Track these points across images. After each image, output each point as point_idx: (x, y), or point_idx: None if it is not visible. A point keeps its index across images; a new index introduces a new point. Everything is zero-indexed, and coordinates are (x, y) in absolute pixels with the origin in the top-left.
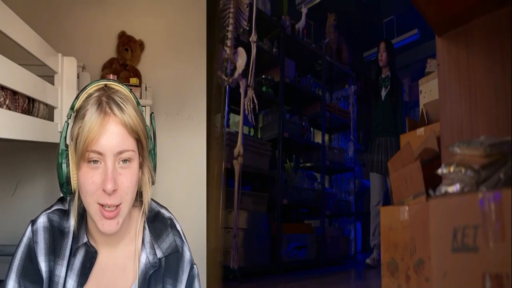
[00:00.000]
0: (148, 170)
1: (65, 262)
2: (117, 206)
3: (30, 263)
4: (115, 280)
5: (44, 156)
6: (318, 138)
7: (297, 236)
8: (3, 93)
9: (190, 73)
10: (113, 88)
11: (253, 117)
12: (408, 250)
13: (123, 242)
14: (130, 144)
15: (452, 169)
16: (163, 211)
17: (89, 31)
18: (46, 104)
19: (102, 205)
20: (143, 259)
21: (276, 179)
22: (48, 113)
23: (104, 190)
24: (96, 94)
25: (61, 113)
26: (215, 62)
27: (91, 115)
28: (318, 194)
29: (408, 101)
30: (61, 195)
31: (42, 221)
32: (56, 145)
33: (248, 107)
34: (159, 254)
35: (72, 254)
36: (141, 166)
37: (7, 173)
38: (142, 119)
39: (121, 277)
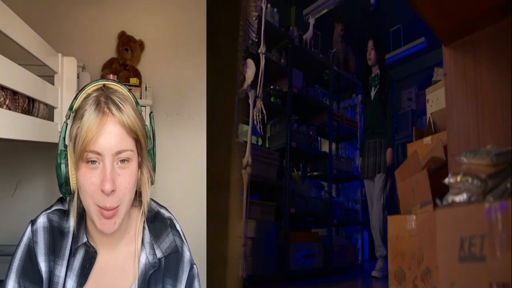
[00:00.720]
0: (147, 170)
1: (64, 262)
2: (115, 207)
3: (30, 263)
4: (115, 280)
5: (44, 156)
6: (325, 147)
7: (305, 244)
8: (3, 93)
9: (190, 73)
10: (111, 88)
11: (261, 127)
12: (416, 259)
13: (122, 242)
14: (128, 144)
15: (459, 178)
16: (162, 211)
17: (89, 31)
18: (46, 104)
19: (101, 207)
20: (143, 259)
21: (284, 188)
22: (48, 113)
23: (102, 191)
24: (95, 94)
25: (61, 113)
26: (236, 73)
27: (90, 115)
28: (325, 202)
29: (415, 109)
30: (61, 195)
31: (42, 221)
32: (56, 145)
33: (257, 117)
34: (159, 254)
35: (72, 254)
36: (140, 166)
37: (7, 173)
38: (141, 119)
39: (120, 277)
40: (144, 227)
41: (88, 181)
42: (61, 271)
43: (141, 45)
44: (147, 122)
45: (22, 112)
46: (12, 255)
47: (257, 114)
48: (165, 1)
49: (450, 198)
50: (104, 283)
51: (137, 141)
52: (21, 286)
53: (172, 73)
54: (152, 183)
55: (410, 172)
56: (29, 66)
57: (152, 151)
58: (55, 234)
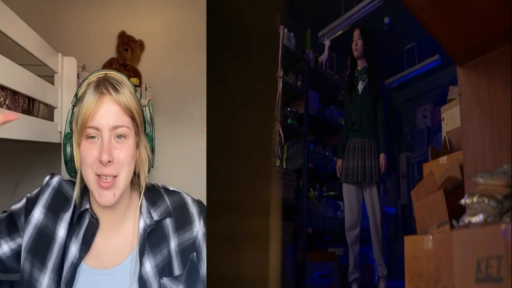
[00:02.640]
0: (144, 150)
1: (65, 225)
2: (114, 177)
3: (59, 200)
4: (116, 249)
5: (44, 156)
6: None
7: (322, 264)
8: (3, 93)
9: (190, 73)
10: (111, 76)
11: (279, 148)
12: (433, 279)
13: (124, 218)
14: (124, 120)
15: (475, 199)
16: (156, 184)
17: (89, 31)
18: (46, 104)
19: (100, 176)
20: (141, 224)
21: (301, 208)
22: (48, 113)
23: (100, 161)
24: (96, 79)
25: (61, 113)
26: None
27: (89, 96)
28: (342, 222)
29: (430, 127)
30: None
31: (56, 180)
32: (56, 145)
33: (275, 140)
34: (155, 217)
35: (76, 220)
36: (137, 146)
37: (7, 173)
38: (137, 102)
39: (121, 245)
40: (141, 198)
41: (88, 153)
42: (61, 232)
43: (141, 45)
44: (146, 111)
45: (22, 112)
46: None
47: (275, 136)
48: (165, 1)
49: (466, 219)
50: (105, 252)
51: (133, 119)
52: (47, 217)
53: (172, 73)
54: (152, 166)
55: (426, 192)
56: (29, 66)
57: (150, 136)
58: (60, 198)
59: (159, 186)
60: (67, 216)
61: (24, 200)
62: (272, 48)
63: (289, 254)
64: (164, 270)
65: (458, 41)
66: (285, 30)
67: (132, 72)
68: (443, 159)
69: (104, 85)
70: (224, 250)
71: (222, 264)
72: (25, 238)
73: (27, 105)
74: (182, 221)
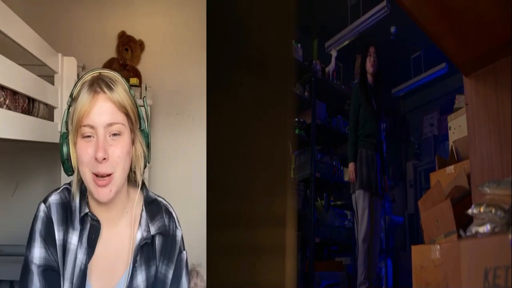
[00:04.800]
0: (140, 146)
1: (77, 232)
2: (109, 175)
3: (50, 229)
4: (116, 254)
5: (44, 156)
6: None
7: (329, 273)
8: (3, 93)
9: (190, 73)
10: (105, 75)
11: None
12: (439, 283)
13: (123, 221)
14: (119, 118)
15: (482, 209)
16: (160, 199)
17: (89, 31)
18: (46, 104)
19: (96, 175)
20: (139, 236)
21: (309, 218)
22: (48, 113)
23: (96, 159)
24: (90, 78)
25: (61, 113)
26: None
27: (83, 95)
28: (349, 231)
29: (437, 135)
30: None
31: (54, 198)
32: (56, 145)
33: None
34: (152, 231)
35: (82, 226)
36: (133, 142)
37: (7, 173)
38: (132, 100)
39: (120, 252)
40: (142, 209)
41: (84, 152)
42: (75, 239)
43: (141, 45)
44: (141, 107)
45: (22, 112)
46: (31, 228)
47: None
48: (165, 1)
49: (474, 229)
50: (107, 256)
51: (127, 116)
52: (47, 249)
53: (172, 73)
54: (148, 162)
55: (433, 201)
56: (29, 66)
57: (145, 132)
58: (67, 209)
59: (161, 202)
60: (76, 223)
61: (38, 243)
62: (282, 59)
63: (297, 263)
64: (154, 284)
65: (465, 51)
66: (293, 41)
67: (132, 72)
68: (450, 169)
69: (98, 84)
70: (230, 260)
71: (238, 274)
72: (59, 260)
73: (27, 105)
74: (168, 250)
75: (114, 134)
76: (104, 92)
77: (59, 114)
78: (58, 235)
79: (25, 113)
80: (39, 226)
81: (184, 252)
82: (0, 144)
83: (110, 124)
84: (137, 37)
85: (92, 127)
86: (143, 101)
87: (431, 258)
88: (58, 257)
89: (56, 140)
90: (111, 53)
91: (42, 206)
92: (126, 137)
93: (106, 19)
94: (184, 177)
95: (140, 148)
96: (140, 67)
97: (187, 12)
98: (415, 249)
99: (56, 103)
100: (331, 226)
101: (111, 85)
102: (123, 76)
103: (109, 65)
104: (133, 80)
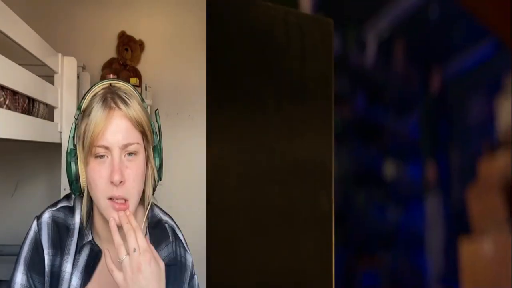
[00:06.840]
0: (150, 166)
1: (71, 259)
2: (125, 200)
3: (37, 255)
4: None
5: (44, 156)
6: None
7: (371, 269)
8: (3, 93)
9: (190, 73)
10: (117, 86)
11: None
12: (491, 281)
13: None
14: (135, 137)
15: None
16: (165, 218)
17: (89, 31)
18: (46, 104)
19: (110, 198)
20: None
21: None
22: (48, 113)
23: (111, 182)
24: (101, 92)
25: (61, 113)
26: None
27: (97, 111)
28: (392, 226)
29: (486, 120)
30: (61, 196)
31: (47, 216)
32: (56, 145)
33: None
34: None
35: (78, 251)
36: (147, 161)
37: (7, 173)
38: (147, 114)
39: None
40: (146, 233)
41: (97, 175)
42: (68, 267)
43: (141, 45)
44: (155, 123)
45: (22, 112)
46: (19, 248)
47: None
48: (166, 1)
49: None
50: (106, 282)
51: (143, 134)
52: (29, 277)
53: (172, 73)
54: (160, 179)
55: (484, 191)
56: (29, 66)
57: (158, 147)
58: (61, 231)
59: (167, 223)
60: (71, 248)
61: (21, 267)
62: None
63: (338, 259)
64: None
65: None
66: None
67: (132, 72)
68: (501, 156)
69: (112, 98)
70: (233, 261)
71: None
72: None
73: (27, 105)
74: (178, 279)
75: (130, 154)
76: (120, 108)
77: (59, 114)
78: (48, 260)
79: (25, 113)
80: (25, 249)
81: (195, 276)
82: (0, 144)
83: (126, 145)
84: (137, 37)
85: (106, 148)
86: (156, 115)
87: (481, 250)
88: (45, 285)
89: (56, 140)
90: (111, 53)
91: (34, 225)
92: (141, 157)
93: (106, 19)
94: (184, 177)
95: (150, 169)
96: (140, 67)
97: (187, 12)
98: (464, 241)
99: (56, 103)
100: (372, 221)
101: (127, 100)
102: (123, 76)
103: (109, 65)
104: (133, 80)
